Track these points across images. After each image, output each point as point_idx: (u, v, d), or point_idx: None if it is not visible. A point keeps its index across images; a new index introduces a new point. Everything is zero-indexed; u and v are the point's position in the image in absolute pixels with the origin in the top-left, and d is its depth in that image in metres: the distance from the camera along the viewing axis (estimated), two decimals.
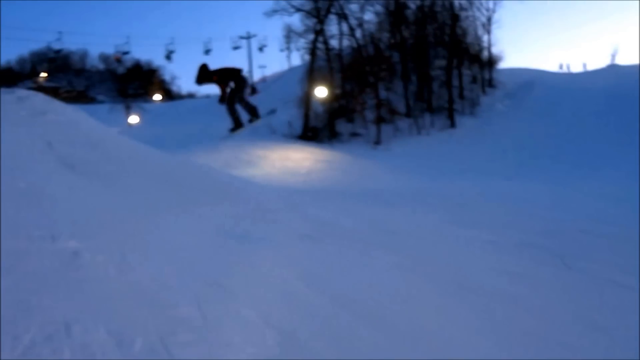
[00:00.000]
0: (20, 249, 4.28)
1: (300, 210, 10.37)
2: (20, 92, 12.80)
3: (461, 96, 41.43)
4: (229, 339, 3.88)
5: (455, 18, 42.56)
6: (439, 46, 43.54)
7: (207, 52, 51.35)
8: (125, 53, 54.04)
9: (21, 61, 73.81)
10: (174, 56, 50.97)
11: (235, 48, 53.14)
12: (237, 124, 11.13)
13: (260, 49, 56.21)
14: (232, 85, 10.88)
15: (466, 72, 43.99)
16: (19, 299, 3.48)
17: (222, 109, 11.62)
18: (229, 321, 4.20)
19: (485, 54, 46.83)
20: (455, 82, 41.21)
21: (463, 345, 5.17)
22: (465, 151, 32.93)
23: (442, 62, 42.14)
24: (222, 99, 11.04)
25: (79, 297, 3.84)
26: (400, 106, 39.45)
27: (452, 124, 38.28)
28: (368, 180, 22.65)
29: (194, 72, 11.15)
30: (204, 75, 10.93)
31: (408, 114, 38.77)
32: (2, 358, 2.86)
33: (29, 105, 11.44)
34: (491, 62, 46.82)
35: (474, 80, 44.41)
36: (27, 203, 5.51)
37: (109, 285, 4.26)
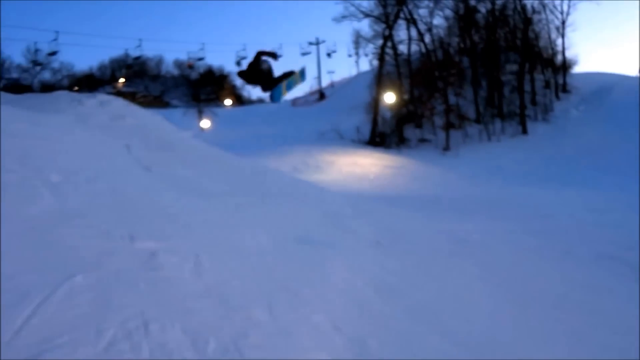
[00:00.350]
0: (102, 248, 4.46)
1: (370, 216, 10.33)
2: (102, 97, 13.38)
3: (533, 102, 40.21)
4: (299, 343, 3.91)
5: (527, 21, 41.42)
6: (511, 50, 42.44)
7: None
8: (200, 59, 55.57)
9: (102, 67, 77.23)
10: (245, 62, 52.03)
11: (304, 54, 53.75)
12: None
13: (329, 54, 56.55)
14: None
15: (539, 77, 42.65)
16: (102, 296, 3.63)
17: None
18: (300, 326, 4.23)
19: (559, 58, 45.36)
20: (528, 87, 40.04)
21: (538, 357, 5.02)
22: (537, 158, 31.89)
23: (513, 67, 41.03)
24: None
25: (156, 296, 3.96)
26: (470, 112, 38.72)
27: (524, 131, 37.17)
28: (437, 187, 22.33)
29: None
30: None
31: (478, 120, 38.01)
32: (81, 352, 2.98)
33: (110, 109, 11.94)
34: (565, 66, 45.23)
35: (547, 85, 43.00)
36: (108, 203, 5.73)
37: (184, 286, 4.37)
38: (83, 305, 3.44)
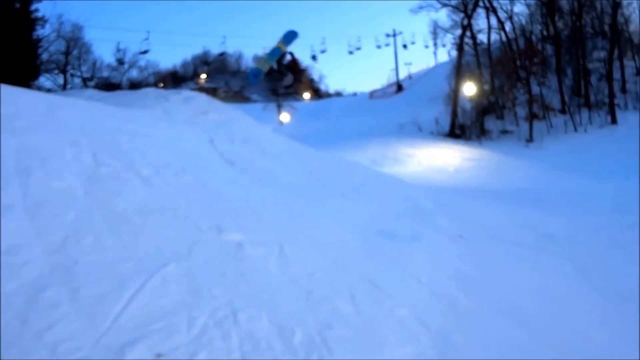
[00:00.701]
0: (192, 239, 4.61)
1: (451, 209, 10.12)
2: (186, 93, 13.83)
3: (623, 90, 37.93)
4: (384, 337, 3.89)
5: (616, 5, 39.13)
6: (598, 36, 40.32)
7: (351, 51, 52.18)
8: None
9: (185, 64, 79.66)
10: (321, 55, 52.32)
11: (380, 47, 53.25)
12: None
13: (405, 46, 55.66)
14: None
15: (629, 64, 40.20)
16: (193, 285, 3.75)
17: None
18: (384, 320, 4.21)
19: None
20: (617, 75, 37.81)
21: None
22: (628, 150, 30.07)
23: (601, 54, 38.95)
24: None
25: (244, 287, 4.06)
26: (555, 102, 37.07)
27: (613, 120, 35.12)
28: (520, 179, 21.60)
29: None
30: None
31: (563, 110, 36.32)
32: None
33: (194, 105, 12.32)
34: None
35: (638, 72, 40.58)
36: (195, 196, 5.91)
37: (270, 277, 4.46)
38: (175, 293, 3.57)
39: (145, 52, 43.98)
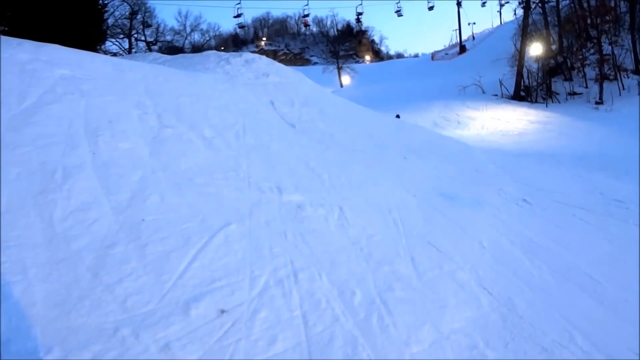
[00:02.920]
0: (253, 200, 4.67)
1: (514, 173, 9.84)
2: (247, 55, 13.85)
3: None
4: (444, 300, 3.86)
5: None
6: None
7: (398, 12, 51.57)
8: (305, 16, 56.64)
9: (246, 27, 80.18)
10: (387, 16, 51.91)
11: (431, 8, 51.90)
12: None
13: (459, 3, 53.84)
14: None
15: None
16: (254, 244, 3.82)
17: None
18: (444, 282, 4.17)
19: None
20: None
21: None
22: None
23: None
24: None
25: (304, 247, 4.09)
26: (628, 62, 35.08)
27: None
28: (589, 144, 20.74)
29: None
30: None
31: (637, 71, 34.41)
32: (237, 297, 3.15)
33: (255, 67, 12.35)
34: None
35: None
36: (256, 158, 5.97)
37: (330, 237, 4.47)
38: (238, 252, 3.64)
39: (238, 16, 45.91)
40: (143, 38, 45.38)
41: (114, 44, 37.68)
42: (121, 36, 39.52)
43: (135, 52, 37.88)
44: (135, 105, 6.00)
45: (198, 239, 3.62)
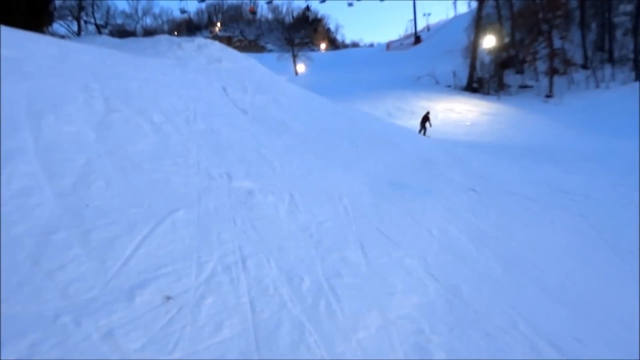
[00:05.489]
0: (202, 186, 4.62)
1: (465, 163, 10.05)
2: (199, 40, 13.65)
3: None
4: (392, 286, 3.91)
5: None
6: None
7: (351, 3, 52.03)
8: None
9: (199, 13, 78.70)
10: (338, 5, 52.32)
11: None
12: None
13: None
14: None
15: None
16: (202, 231, 3.77)
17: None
18: (392, 269, 4.22)
19: None
20: None
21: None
22: None
23: (628, 7, 37.70)
24: None
25: (253, 234, 4.07)
26: (577, 56, 36.15)
27: (638, 77, 34.34)
28: (538, 136, 21.30)
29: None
30: None
31: (585, 65, 35.45)
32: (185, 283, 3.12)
33: (207, 52, 12.20)
34: None
35: None
36: (206, 143, 5.90)
37: (279, 224, 4.47)
38: (185, 238, 3.59)
39: None
40: (93, 21, 44.14)
41: (62, 26, 36.59)
42: (69, 18, 38.35)
43: (85, 35, 36.84)
44: (82, 89, 5.83)
45: (144, 225, 3.55)
